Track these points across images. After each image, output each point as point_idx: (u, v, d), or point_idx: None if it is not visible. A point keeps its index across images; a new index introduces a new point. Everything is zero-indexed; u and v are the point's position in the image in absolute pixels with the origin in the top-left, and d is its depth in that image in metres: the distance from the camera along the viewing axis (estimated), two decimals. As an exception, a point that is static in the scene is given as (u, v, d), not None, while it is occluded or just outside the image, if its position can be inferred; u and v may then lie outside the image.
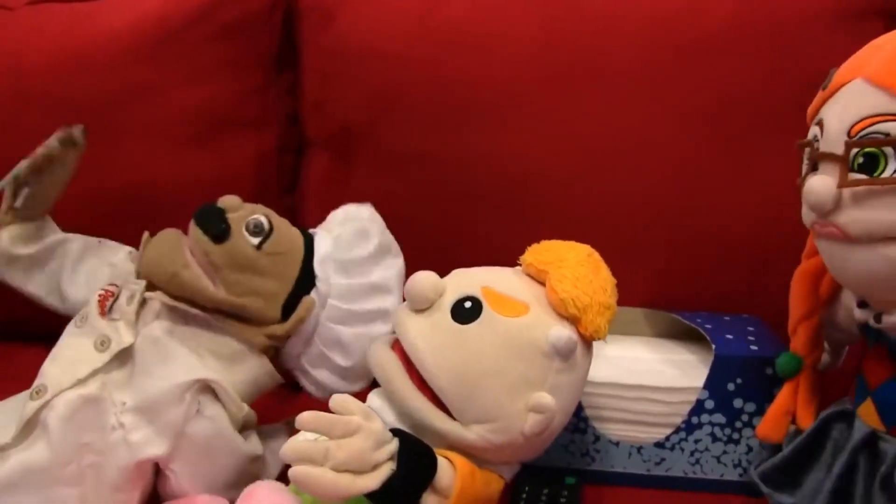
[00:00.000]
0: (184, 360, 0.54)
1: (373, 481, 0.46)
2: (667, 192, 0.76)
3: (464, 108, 0.79)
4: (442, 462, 0.49)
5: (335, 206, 0.83)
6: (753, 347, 0.63)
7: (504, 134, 0.78)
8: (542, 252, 0.56)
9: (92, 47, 0.87)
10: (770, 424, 0.56)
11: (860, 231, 0.45)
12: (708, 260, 0.76)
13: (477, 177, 0.79)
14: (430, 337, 0.51)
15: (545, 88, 0.78)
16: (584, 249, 0.57)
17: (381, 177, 0.82)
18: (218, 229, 0.57)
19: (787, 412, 0.56)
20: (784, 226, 0.71)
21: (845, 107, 0.46)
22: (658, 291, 0.76)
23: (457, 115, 0.79)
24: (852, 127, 0.45)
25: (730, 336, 0.65)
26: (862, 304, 0.51)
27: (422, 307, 0.53)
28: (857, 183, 0.44)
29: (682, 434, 0.63)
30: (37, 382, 0.53)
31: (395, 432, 0.49)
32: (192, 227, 0.58)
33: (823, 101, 0.49)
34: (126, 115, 0.85)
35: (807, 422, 0.55)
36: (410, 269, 0.76)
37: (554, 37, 0.78)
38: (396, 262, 0.63)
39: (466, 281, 0.54)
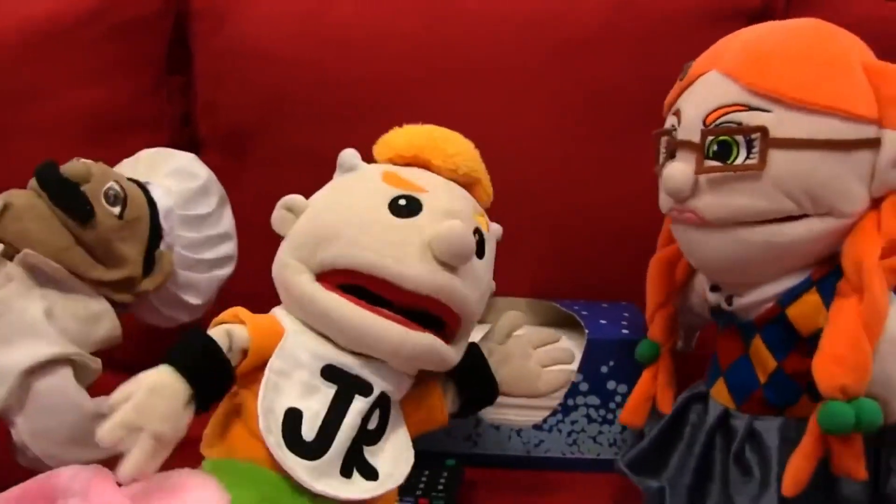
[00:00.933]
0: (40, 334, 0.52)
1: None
2: (547, 186, 0.80)
3: (350, 107, 0.80)
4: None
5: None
6: (625, 331, 0.66)
7: (386, 129, 0.78)
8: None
9: None
10: (632, 410, 0.58)
11: (716, 215, 0.47)
12: (588, 250, 0.80)
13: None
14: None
15: (428, 85, 0.80)
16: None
17: (272, 176, 0.82)
18: (83, 211, 0.56)
19: (647, 398, 0.58)
20: (656, 216, 0.76)
21: (701, 97, 0.48)
22: (542, 281, 0.78)
23: (344, 113, 0.80)
24: (707, 116, 0.47)
25: (604, 321, 0.68)
26: (714, 288, 0.53)
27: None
28: (713, 169, 0.46)
29: (559, 416, 0.65)
30: None
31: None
32: (50, 205, 0.56)
33: (680, 92, 0.52)
34: (18, 115, 0.83)
35: (666, 406, 0.57)
36: None
37: (436, 36, 0.81)
38: (230, 210, 0.68)
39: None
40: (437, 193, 0.50)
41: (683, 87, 0.51)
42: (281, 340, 0.47)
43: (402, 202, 0.48)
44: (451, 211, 0.49)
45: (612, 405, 0.65)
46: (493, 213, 0.78)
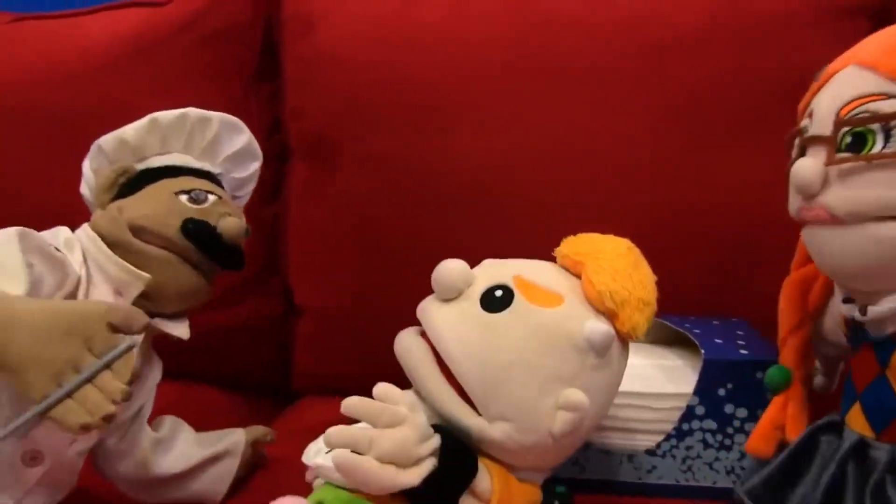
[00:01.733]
0: None
1: (415, 476, 0.44)
2: (647, 194, 0.76)
3: (437, 112, 0.79)
4: (480, 464, 0.47)
5: (317, 212, 0.84)
6: (743, 351, 0.62)
7: (479, 135, 0.78)
8: (579, 243, 0.53)
9: (69, 61, 0.88)
10: (760, 438, 0.54)
11: (847, 210, 0.43)
12: (693, 263, 0.75)
13: (453, 177, 0.79)
14: (457, 326, 0.49)
15: (518, 89, 0.77)
16: (624, 243, 0.54)
17: (360, 182, 0.82)
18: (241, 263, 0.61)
19: (776, 426, 0.54)
20: (768, 226, 0.71)
21: (836, 91, 0.45)
22: None
23: (432, 117, 0.79)
24: (841, 109, 0.44)
25: (719, 340, 0.64)
26: (847, 300, 0.49)
27: (450, 296, 0.50)
28: (845, 160, 0.43)
29: (673, 441, 0.62)
30: None
31: (437, 429, 0.47)
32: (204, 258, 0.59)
33: (815, 93, 0.48)
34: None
35: (796, 436, 0.52)
36: (393, 267, 0.80)
37: (525, 38, 0.78)
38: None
39: (498, 270, 0.51)
40: None
41: (817, 88, 0.48)
42: None
43: None
44: None
45: (729, 430, 0.61)
46: (588, 221, 0.76)
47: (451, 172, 0.79)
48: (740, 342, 0.64)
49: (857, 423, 0.48)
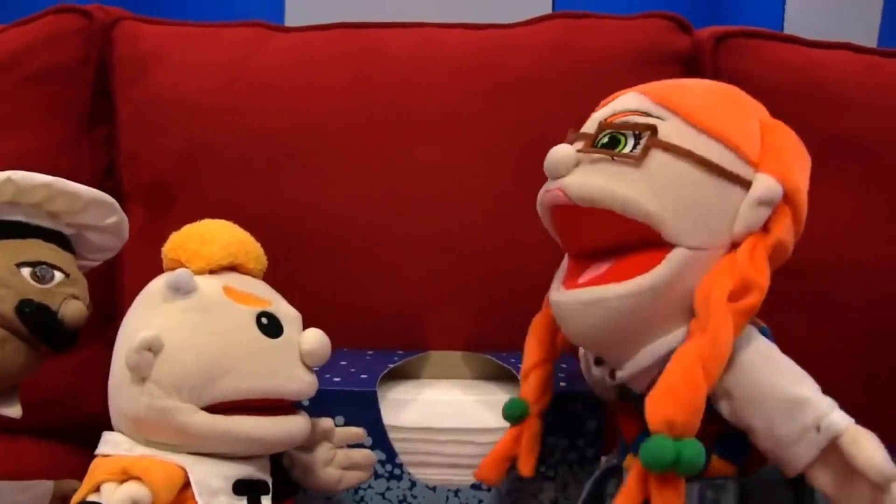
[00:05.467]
0: None
1: None
2: (479, 234, 0.78)
3: (277, 157, 0.79)
4: None
5: (153, 260, 0.81)
6: (563, 384, 0.64)
7: (317, 181, 0.78)
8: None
9: None
10: (490, 467, 0.56)
11: (578, 193, 0.47)
12: (523, 302, 0.76)
13: (293, 224, 0.79)
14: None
15: (356, 134, 0.79)
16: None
17: None
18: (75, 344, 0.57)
19: (507, 457, 0.55)
20: None
21: (612, 106, 0.51)
22: (477, 334, 0.76)
23: (270, 163, 0.79)
24: (608, 117, 0.50)
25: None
26: (598, 361, 0.52)
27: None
28: (595, 152, 0.48)
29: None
30: None
31: None
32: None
33: (599, 109, 0.54)
34: None
35: (527, 468, 0.55)
36: None
37: (362, 83, 0.79)
38: None
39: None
40: (277, 302, 0.55)
41: (603, 105, 0.54)
42: (188, 478, 0.48)
43: (265, 321, 0.52)
44: (297, 317, 0.55)
45: (551, 461, 0.63)
46: (425, 262, 0.79)
47: (295, 216, 0.79)
48: (562, 375, 0.66)
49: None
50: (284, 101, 0.79)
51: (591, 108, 0.80)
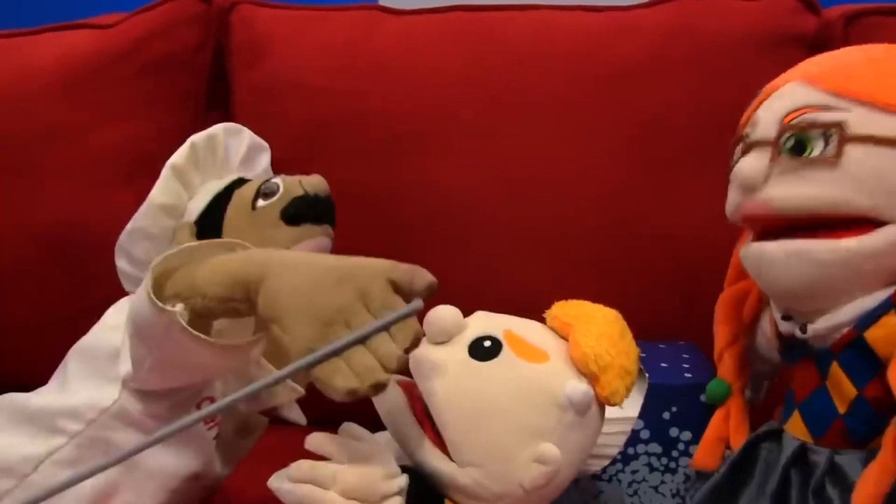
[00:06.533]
0: None
1: None
2: (595, 220, 0.77)
3: (393, 141, 0.79)
4: None
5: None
6: (688, 375, 0.63)
7: (432, 165, 0.78)
8: (570, 307, 0.55)
9: (14, 84, 0.86)
10: (705, 452, 0.56)
11: (782, 204, 0.46)
12: (641, 286, 0.76)
13: (407, 208, 0.79)
14: (444, 369, 0.50)
15: (471, 119, 0.78)
16: (612, 312, 0.55)
17: None
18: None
19: (720, 439, 0.55)
20: (713, 250, 0.70)
21: (780, 102, 0.48)
22: None
23: (386, 147, 0.79)
24: (785, 116, 0.47)
25: (664, 364, 0.65)
26: (786, 318, 0.51)
27: (440, 339, 0.51)
28: (789, 160, 0.46)
29: (619, 465, 0.62)
30: None
31: (405, 470, 0.47)
32: None
33: (756, 107, 0.51)
34: (49, 154, 0.84)
35: (740, 446, 0.54)
36: None
37: (478, 67, 0.79)
38: None
39: (489, 322, 0.53)
40: None
41: (758, 104, 0.51)
42: None
43: None
44: None
45: (674, 453, 0.61)
46: (539, 248, 0.78)
47: (409, 201, 0.79)
48: (685, 365, 0.65)
49: (797, 429, 0.50)
50: (399, 85, 0.79)
51: (712, 93, 0.77)
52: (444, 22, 0.82)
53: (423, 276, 0.42)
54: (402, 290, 0.41)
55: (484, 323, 0.53)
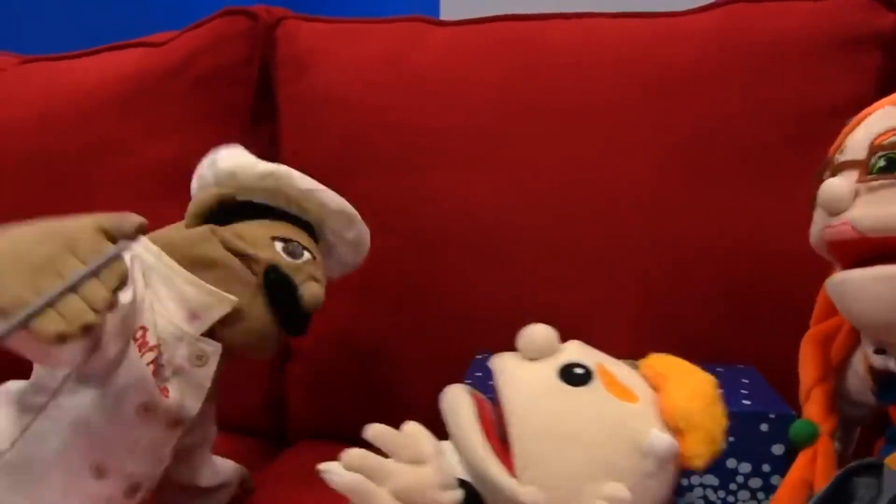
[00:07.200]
0: None
1: None
2: (643, 235, 0.73)
3: (435, 155, 0.78)
4: None
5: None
6: (746, 402, 0.59)
7: (469, 178, 0.77)
8: (666, 360, 0.54)
9: (67, 102, 0.89)
10: (787, 495, 0.52)
11: (870, 224, 0.43)
12: (689, 307, 0.72)
13: (452, 219, 0.77)
14: (530, 384, 0.49)
15: (514, 131, 0.76)
16: (709, 377, 0.53)
17: None
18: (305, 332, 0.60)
19: (804, 482, 0.51)
20: (774, 266, 0.70)
21: (870, 126, 0.47)
22: (640, 341, 0.69)
23: (428, 161, 0.78)
24: (877, 137, 0.45)
25: (721, 390, 0.60)
26: (879, 351, 0.48)
27: (532, 356, 0.51)
28: (875, 179, 0.44)
29: (674, 497, 0.58)
30: None
31: (462, 484, 0.46)
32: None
33: (847, 134, 0.49)
34: (99, 169, 0.86)
35: None
36: (389, 309, 0.79)
37: (521, 78, 0.77)
38: None
39: (583, 351, 0.52)
40: None
41: (850, 130, 0.49)
42: None
43: None
44: None
45: (732, 486, 0.58)
46: (584, 264, 0.75)
47: (450, 214, 0.78)
48: (744, 391, 0.61)
49: (900, 464, 0.46)
50: (442, 97, 0.78)
51: (766, 101, 0.73)
52: (488, 32, 0.80)
53: (131, 219, 0.43)
54: (112, 236, 0.42)
55: (578, 351, 0.52)
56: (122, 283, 0.42)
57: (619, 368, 0.51)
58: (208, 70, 0.85)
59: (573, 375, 0.49)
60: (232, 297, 0.54)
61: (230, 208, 0.60)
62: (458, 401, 0.49)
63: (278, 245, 0.57)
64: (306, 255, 0.58)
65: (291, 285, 0.56)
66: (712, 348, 0.69)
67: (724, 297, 0.72)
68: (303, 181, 0.60)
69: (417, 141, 0.78)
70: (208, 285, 0.54)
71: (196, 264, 0.55)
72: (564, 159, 0.75)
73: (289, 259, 0.57)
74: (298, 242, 0.58)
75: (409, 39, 0.81)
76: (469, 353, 0.71)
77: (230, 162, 0.61)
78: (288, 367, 0.86)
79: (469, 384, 0.63)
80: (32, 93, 0.92)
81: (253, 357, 0.59)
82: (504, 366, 0.51)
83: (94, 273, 0.40)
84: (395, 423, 0.48)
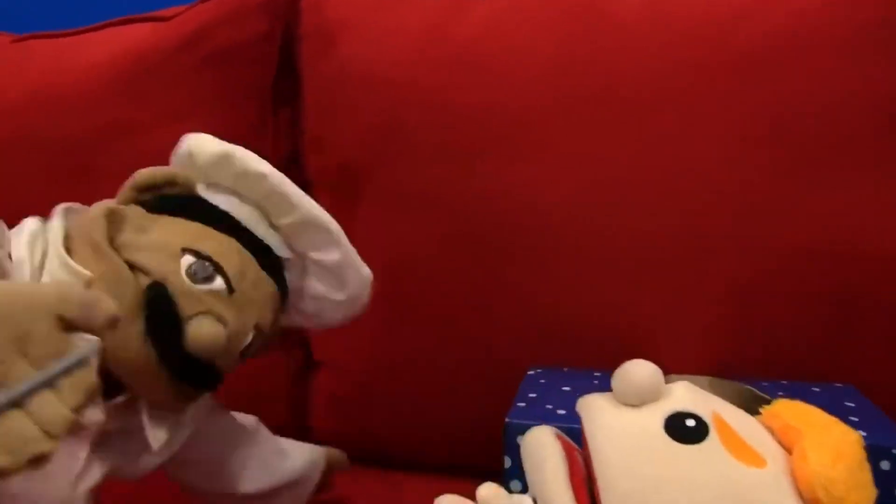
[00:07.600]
0: None
1: None
2: (726, 235, 0.67)
3: (479, 139, 0.72)
4: None
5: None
6: (861, 433, 0.50)
7: (521, 167, 0.71)
8: (798, 409, 0.46)
9: (72, 83, 0.85)
10: None
11: None
12: (779, 314, 0.66)
13: (500, 217, 0.72)
14: (626, 437, 0.43)
15: (566, 114, 0.70)
16: (854, 433, 0.45)
17: (388, 220, 0.75)
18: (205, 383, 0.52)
19: None
20: (875, 271, 0.64)
21: None
22: (728, 354, 0.66)
23: (470, 146, 0.72)
24: None
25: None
26: None
27: (631, 402, 0.43)
28: None
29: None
30: None
31: None
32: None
33: None
34: (107, 153, 0.82)
35: None
36: (424, 319, 0.75)
37: (579, 55, 0.70)
38: None
39: (695, 397, 0.45)
40: None
41: None
42: None
43: None
44: None
45: (843, 530, 0.49)
46: (649, 265, 0.69)
47: (498, 209, 0.72)
48: (853, 418, 0.53)
49: None
50: (487, 75, 0.72)
51: (867, 79, 0.65)
52: (541, 1, 0.73)
53: (103, 307, 0.34)
54: (77, 326, 0.34)
55: (689, 396, 0.44)
56: (90, 398, 0.33)
57: (738, 418, 0.43)
58: (223, 46, 0.80)
59: (684, 429, 0.41)
60: (86, 272, 0.44)
61: (185, 202, 0.51)
62: (545, 443, 0.44)
63: (185, 260, 0.46)
64: (217, 282, 0.46)
65: (173, 317, 0.44)
66: (805, 364, 0.64)
67: (819, 306, 0.66)
68: (260, 164, 0.51)
69: (461, 125, 0.73)
70: (68, 259, 0.44)
71: (90, 253, 0.46)
72: (631, 147, 0.69)
73: (187, 281, 0.45)
74: (215, 264, 0.46)
75: (451, 10, 0.75)
76: (520, 367, 0.66)
77: (192, 141, 0.53)
78: (313, 378, 0.83)
79: (522, 407, 0.56)
80: (33, 73, 0.88)
81: (163, 410, 0.49)
82: (595, 411, 0.44)
83: (50, 383, 0.32)
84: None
